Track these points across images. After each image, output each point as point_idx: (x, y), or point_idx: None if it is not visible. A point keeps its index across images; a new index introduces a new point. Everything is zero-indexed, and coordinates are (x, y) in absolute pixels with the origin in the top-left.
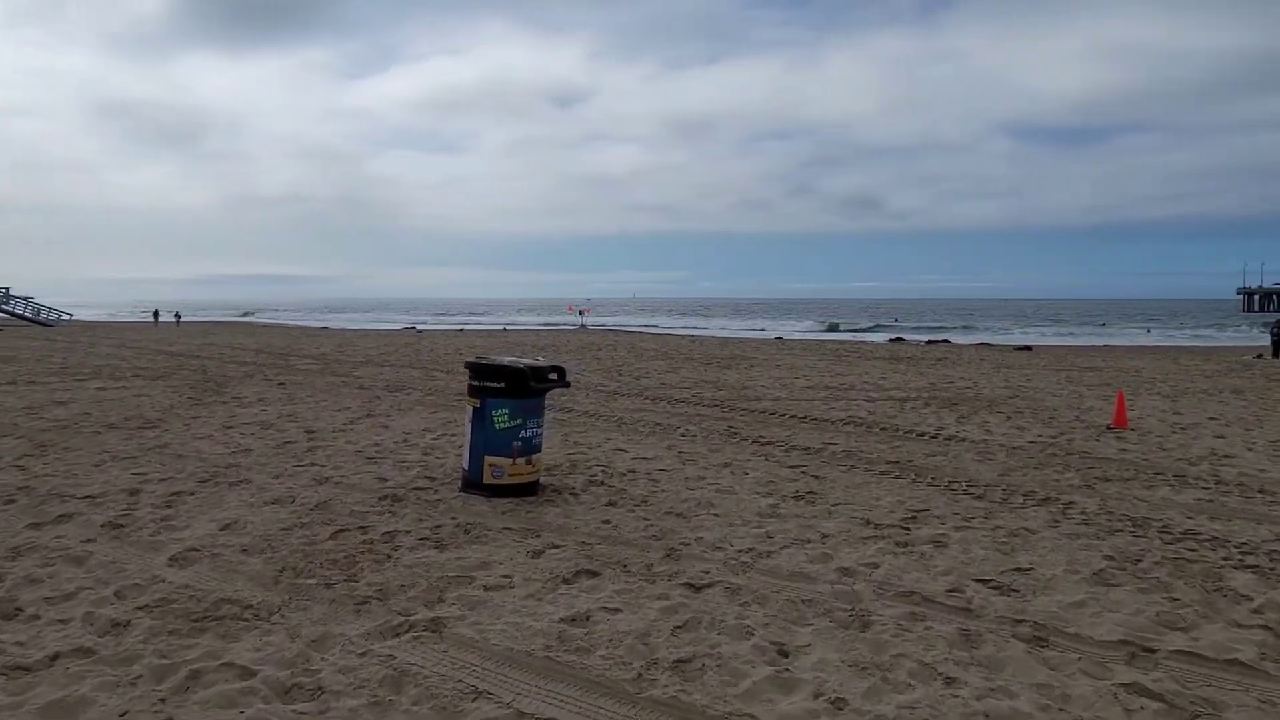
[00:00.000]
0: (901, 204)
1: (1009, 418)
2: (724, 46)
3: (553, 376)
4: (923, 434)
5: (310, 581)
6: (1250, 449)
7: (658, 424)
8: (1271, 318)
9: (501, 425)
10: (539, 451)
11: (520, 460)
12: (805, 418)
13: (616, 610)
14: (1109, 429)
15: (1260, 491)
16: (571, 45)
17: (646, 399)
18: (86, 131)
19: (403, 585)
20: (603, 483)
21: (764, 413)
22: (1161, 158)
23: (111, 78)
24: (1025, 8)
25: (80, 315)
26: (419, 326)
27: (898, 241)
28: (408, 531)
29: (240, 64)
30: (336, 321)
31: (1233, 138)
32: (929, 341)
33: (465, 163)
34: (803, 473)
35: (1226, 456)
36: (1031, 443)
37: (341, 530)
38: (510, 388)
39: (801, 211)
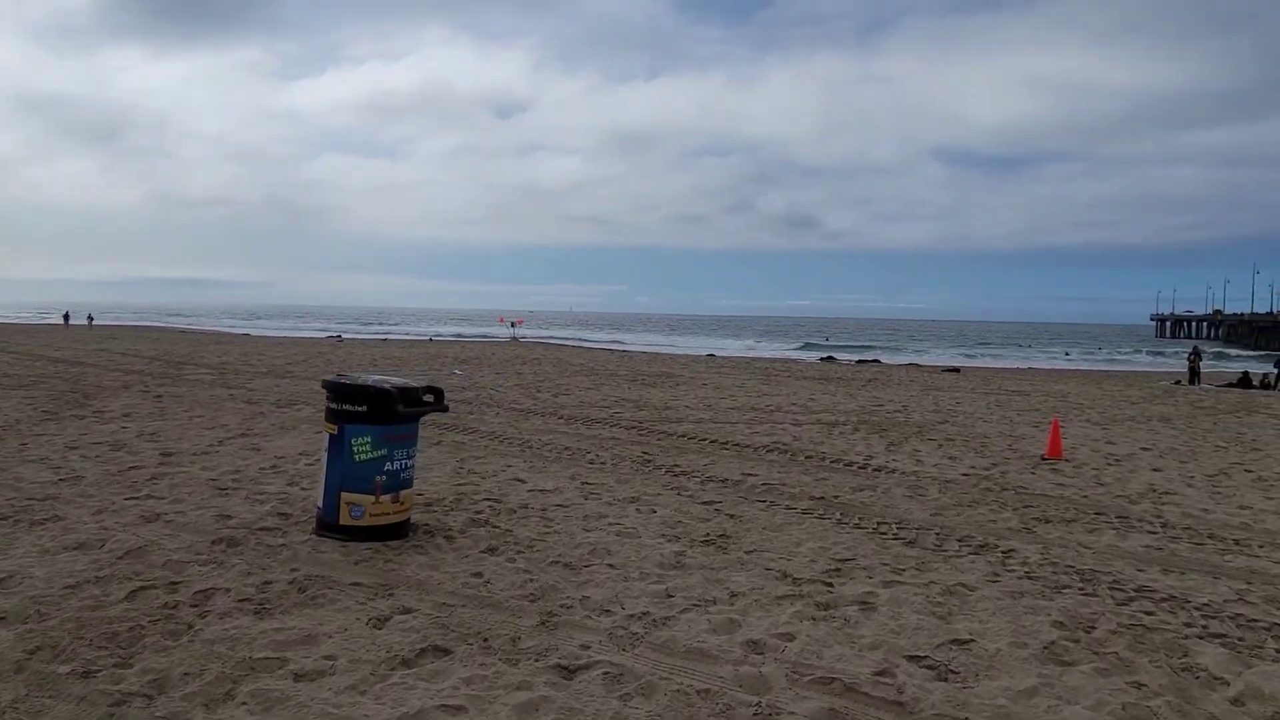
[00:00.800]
0: (836, 224)
1: (940, 445)
2: (665, 61)
3: (428, 399)
4: (850, 464)
5: (65, 669)
6: (1189, 484)
7: (567, 449)
8: (1184, 344)
9: (363, 456)
10: (410, 487)
11: (385, 498)
12: (727, 443)
13: (458, 711)
14: (1043, 459)
15: (1210, 537)
16: (513, 54)
17: (561, 419)
18: (3, 124)
19: (187, 673)
20: (487, 522)
21: (684, 436)
22: (1082, 186)
23: (29, 70)
24: (955, 36)
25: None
26: (344, 335)
27: (831, 261)
28: (227, 590)
29: (168, 60)
30: (259, 328)
31: (1149, 170)
32: (860, 361)
33: (402, 169)
34: (717, 510)
35: (1167, 493)
36: (965, 475)
37: (143, 588)
38: (374, 412)
39: (738, 228)
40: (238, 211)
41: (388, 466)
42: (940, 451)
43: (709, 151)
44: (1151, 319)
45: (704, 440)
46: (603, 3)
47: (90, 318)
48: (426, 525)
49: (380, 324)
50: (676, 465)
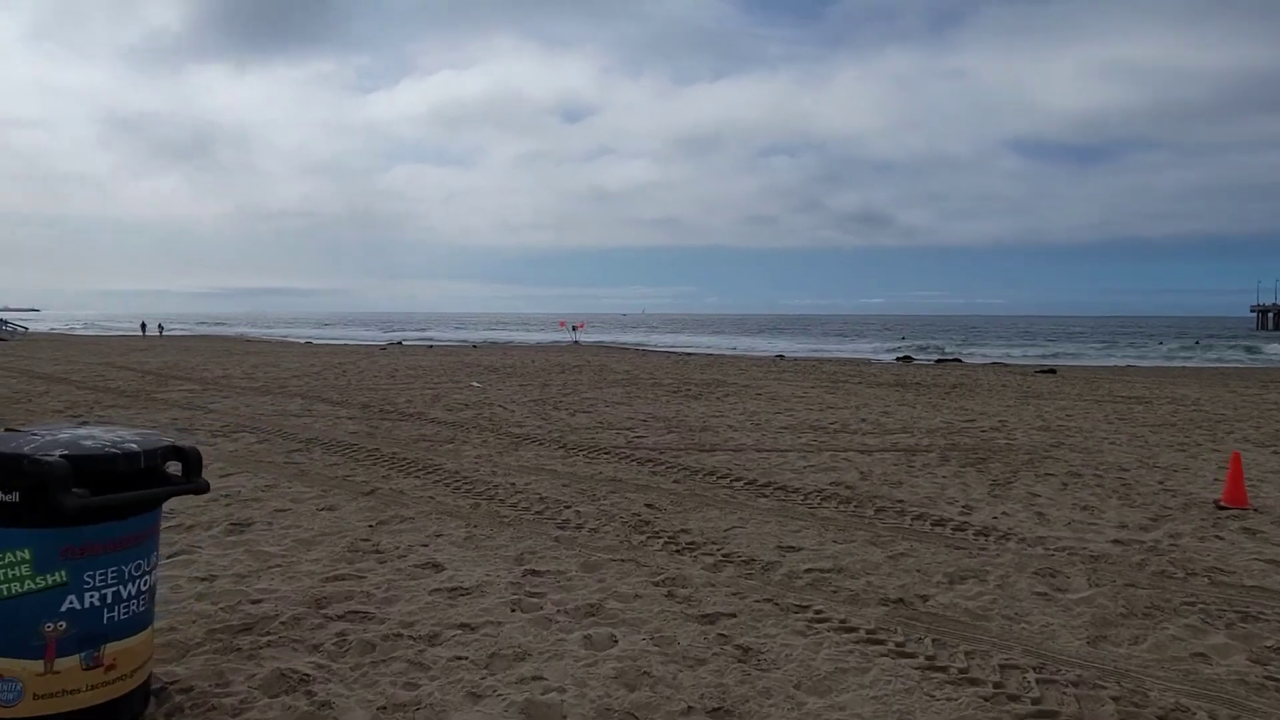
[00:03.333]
0: (908, 220)
1: (1065, 486)
2: (732, 62)
3: (170, 467)
4: (941, 521)
5: None
6: None
7: (542, 500)
8: None
9: (14, 587)
10: (135, 633)
11: (68, 661)
12: (768, 485)
13: None
14: (1219, 507)
15: None
16: (579, 60)
17: (561, 449)
18: (99, 145)
19: None
20: (304, 683)
21: (711, 474)
22: (1167, 175)
23: (124, 91)
24: (1032, 26)
25: (78, 329)
26: (404, 341)
27: (904, 257)
28: None
29: (249, 77)
30: (323, 335)
31: (1240, 156)
32: (938, 361)
33: (473, 176)
34: (722, 639)
35: None
36: (1118, 543)
37: None
38: (30, 504)
39: (808, 227)
40: (316, 222)
41: (71, 604)
42: (1067, 496)
43: (778, 151)
44: (1252, 310)
45: (738, 481)
46: (668, 6)
47: (160, 327)
48: (188, 685)
49: (446, 329)
50: (684, 531)
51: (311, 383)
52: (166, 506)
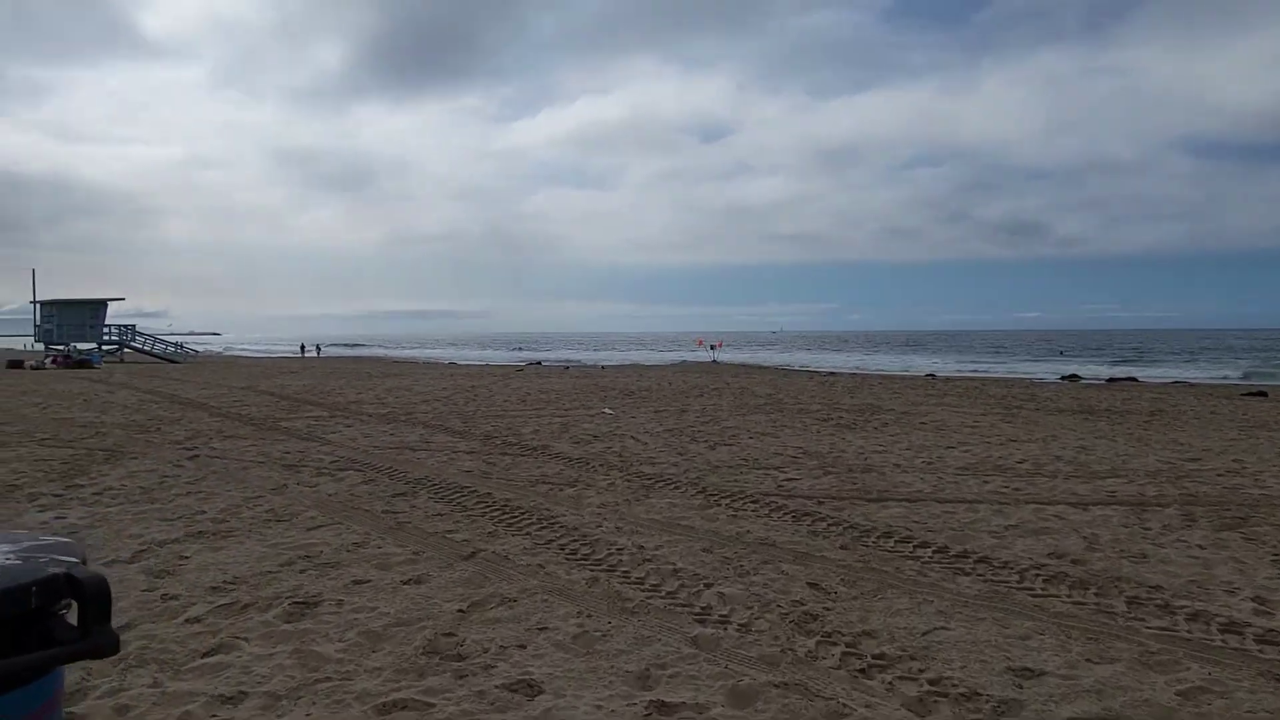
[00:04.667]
0: (1065, 229)
1: None
2: (871, 74)
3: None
4: (1234, 627)
5: None
6: None
7: (676, 572)
8: None
9: None
10: None
11: None
12: (965, 556)
13: None
14: None
15: None
16: (716, 78)
17: (701, 493)
18: (270, 180)
19: None
20: None
21: (887, 537)
22: None
23: (292, 129)
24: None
25: (246, 350)
26: (543, 361)
27: (1061, 268)
28: None
29: (403, 112)
30: (469, 356)
31: None
32: (1111, 380)
33: (611, 197)
34: None
35: None
36: None
37: None
38: None
39: (955, 239)
40: (462, 246)
41: None
42: None
43: (921, 162)
44: None
45: (923, 548)
46: (805, 19)
47: (318, 348)
48: None
49: (573, 349)
50: (867, 635)
51: (439, 409)
52: (231, 561)
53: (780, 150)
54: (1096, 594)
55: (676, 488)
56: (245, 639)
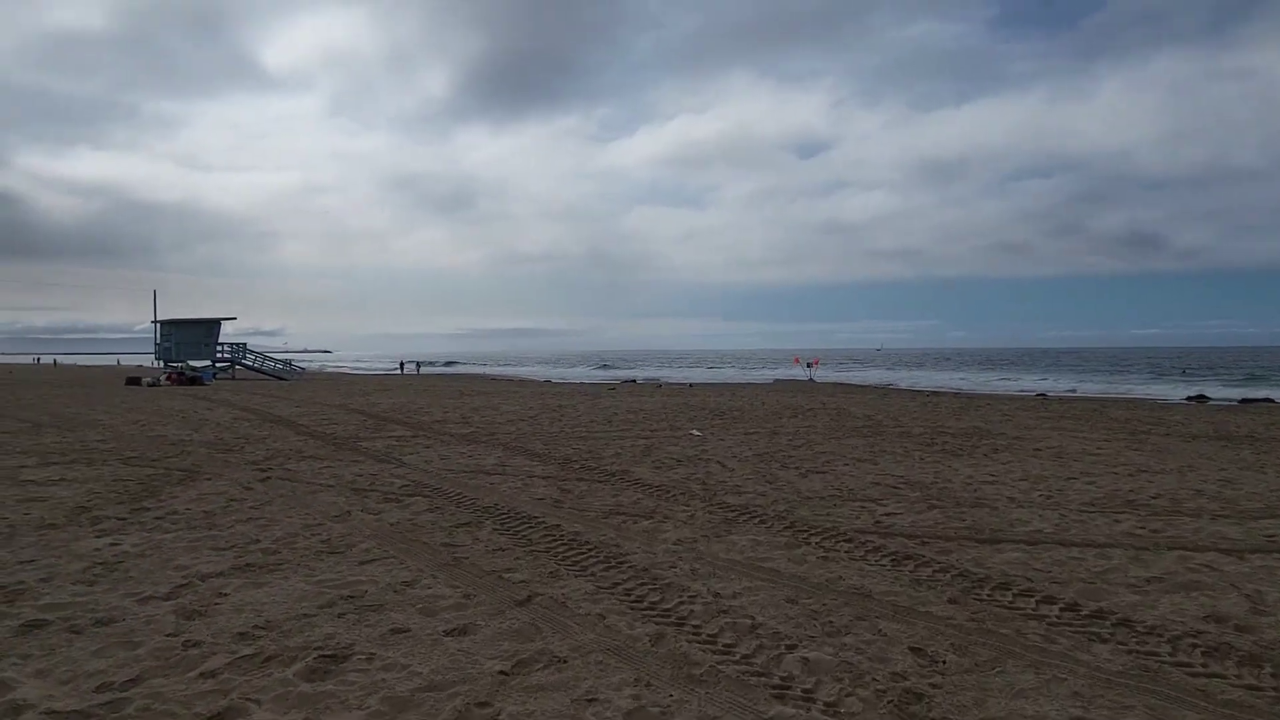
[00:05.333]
0: (1186, 240)
1: None
2: (976, 84)
3: None
4: None
5: None
6: None
7: (754, 629)
8: None
9: None
10: None
11: None
12: (1102, 617)
13: None
14: None
15: None
16: (812, 94)
17: (789, 528)
18: (378, 203)
19: None
20: None
21: (1004, 587)
22: None
23: (400, 154)
24: None
25: (354, 367)
26: (638, 380)
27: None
28: None
29: (504, 135)
30: (564, 374)
31: None
32: (1244, 400)
33: (707, 216)
34: None
35: None
36: None
37: None
38: None
39: (1066, 252)
40: (560, 265)
41: None
42: None
43: (1029, 173)
44: None
45: (1049, 604)
46: (904, 31)
47: (417, 365)
48: None
49: (667, 367)
50: None
51: (522, 429)
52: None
53: (880, 165)
54: (1274, 675)
55: (762, 522)
56: (257, 700)
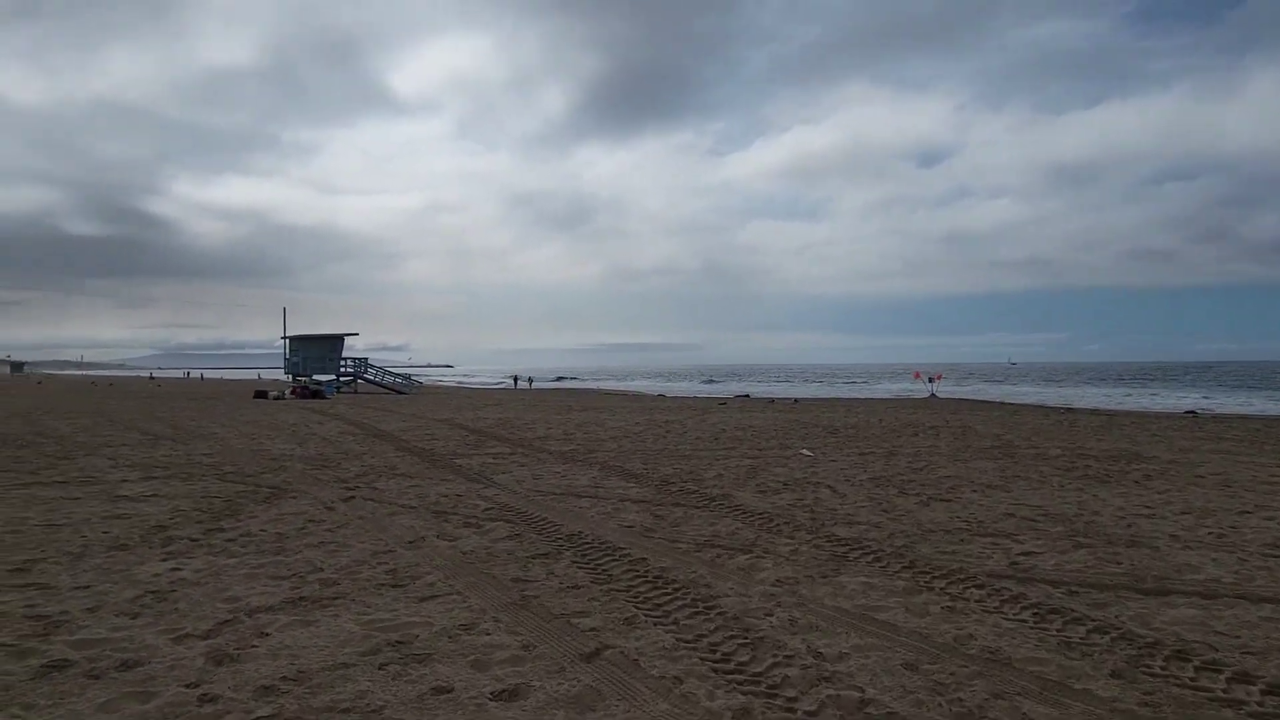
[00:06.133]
0: None
1: None
2: (1109, 84)
3: None
4: None
5: None
6: None
7: (862, 707)
8: None
9: None
10: None
11: None
12: None
13: None
14: None
15: None
16: (933, 100)
17: (908, 568)
18: (500, 221)
19: None
20: None
21: (1180, 658)
22: None
23: (520, 173)
24: None
25: (472, 381)
26: (751, 394)
27: None
28: None
29: (621, 151)
30: (679, 389)
31: None
32: None
33: (822, 228)
34: None
35: None
36: None
37: None
38: None
39: (1213, 259)
40: (677, 279)
41: None
42: None
43: (1170, 176)
44: None
45: (1242, 684)
46: (1029, 31)
47: (530, 380)
48: None
49: (785, 381)
50: None
51: (624, 446)
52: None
53: (1005, 171)
54: None
55: (877, 559)
56: None
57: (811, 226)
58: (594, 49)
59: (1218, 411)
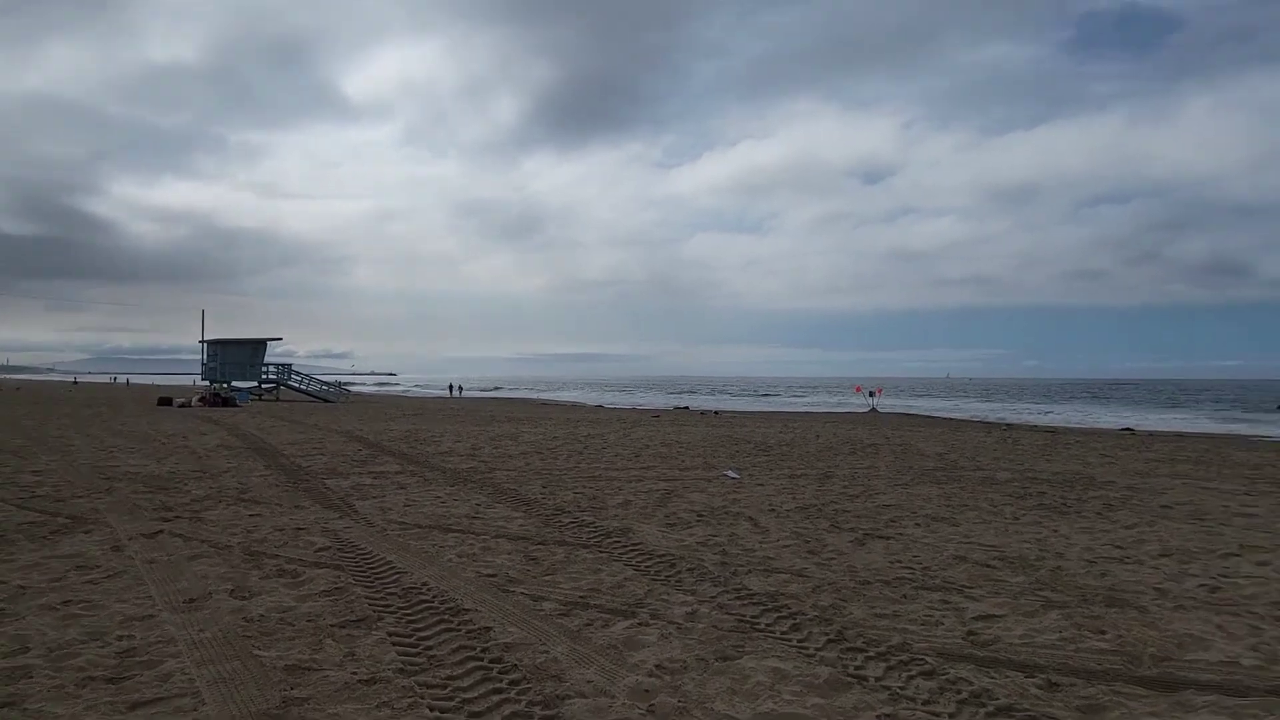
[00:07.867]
0: (1276, 269)
1: None
2: (1050, 107)
3: None
4: None
5: None
6: None
7: None
8: None
9: None
10: None
11: None
12: None
13: None
14: None
15: None
16: (880, 118)
17: (835, 643)
18: (447, 230)
19: None
20: None
21: None
22: None
23: (468, 181)
24: None
25: (410, 390)
26: (690, 407)
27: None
28: None
29: (569, 162)
30: (619, 400)
31: None
32: None
33: (769, 242)
34: None
35: None
36: None
37: None
38: None
39: (1145, 281)
40: (623, 291)
41: None
42: None
43: (1106, 199)
44: None
45: None
46: (975, 54)
47: (460, 388)
48: None
49: (728, 393)
50: None
51: (531, 464)
52: None
53: (949, 191)
54: None
55: (795, 628)
56: None
57: (759, 240)
58: (544, 57)
59: (1154, 429)
